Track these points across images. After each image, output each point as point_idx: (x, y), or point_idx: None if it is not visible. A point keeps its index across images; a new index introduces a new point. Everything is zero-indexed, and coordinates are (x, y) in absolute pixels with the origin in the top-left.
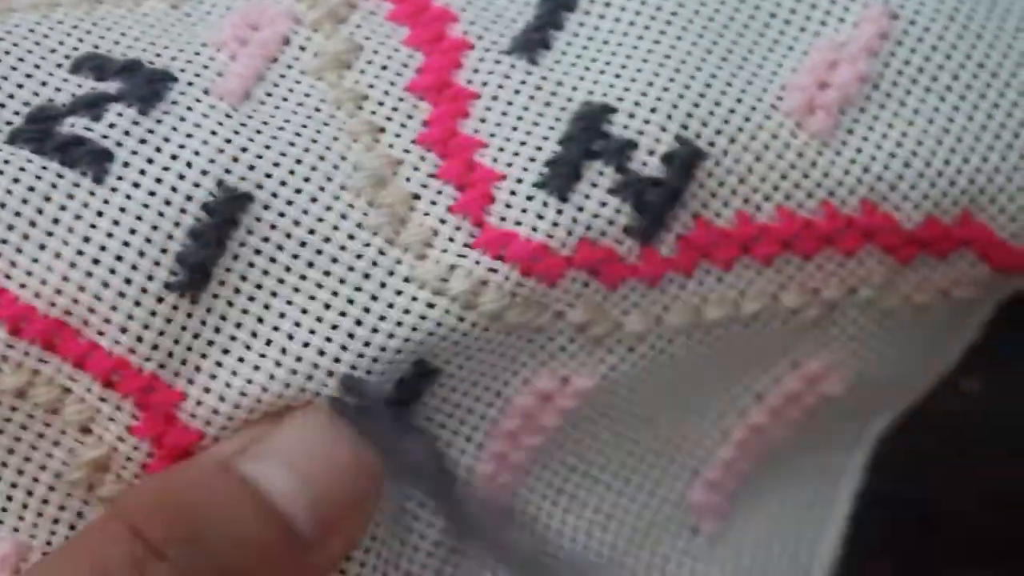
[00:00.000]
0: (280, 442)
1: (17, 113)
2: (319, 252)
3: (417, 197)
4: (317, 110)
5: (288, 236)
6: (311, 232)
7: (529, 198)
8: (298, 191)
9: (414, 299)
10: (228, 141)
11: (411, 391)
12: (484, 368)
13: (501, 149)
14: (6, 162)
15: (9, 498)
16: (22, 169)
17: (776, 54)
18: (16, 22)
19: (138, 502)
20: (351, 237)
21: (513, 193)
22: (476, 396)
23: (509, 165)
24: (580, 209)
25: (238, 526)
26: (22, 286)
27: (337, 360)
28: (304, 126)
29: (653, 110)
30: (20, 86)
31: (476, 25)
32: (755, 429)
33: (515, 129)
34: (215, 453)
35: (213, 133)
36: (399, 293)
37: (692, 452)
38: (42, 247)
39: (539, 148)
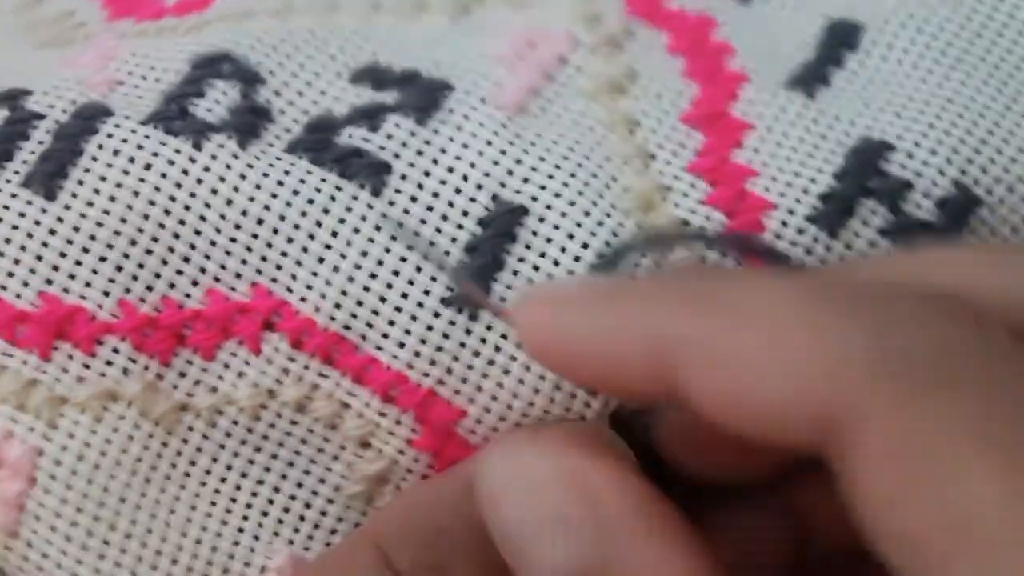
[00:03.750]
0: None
1: (296, 121)
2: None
3: (686, 223)
4: (591, 130)
5: (563, 250)
6: (584, 247)
7: (800, 231)
8: (571, 204)
9: None
10: (503, 153)
11: None
12: None
13: (774, 179)
14: (287, 172)
15: (286, 510)
16: (302, 181)
17: None
18: (296, 24)
19: (387, 527)
20: None
21: (784, 224)
22: None
23: (781, 195)
24: (848, 247)
25: (487, 554)
26: (302, 299)
27: None
28: (578, 142)
29: (934, 152)
30: (300, 94)
31: (754, 60)
32: None
33: (789, 160)
34: (461, 471)
35: (489, 144)
36: None
37: None
38: (321, 260)
39: (813, 180)
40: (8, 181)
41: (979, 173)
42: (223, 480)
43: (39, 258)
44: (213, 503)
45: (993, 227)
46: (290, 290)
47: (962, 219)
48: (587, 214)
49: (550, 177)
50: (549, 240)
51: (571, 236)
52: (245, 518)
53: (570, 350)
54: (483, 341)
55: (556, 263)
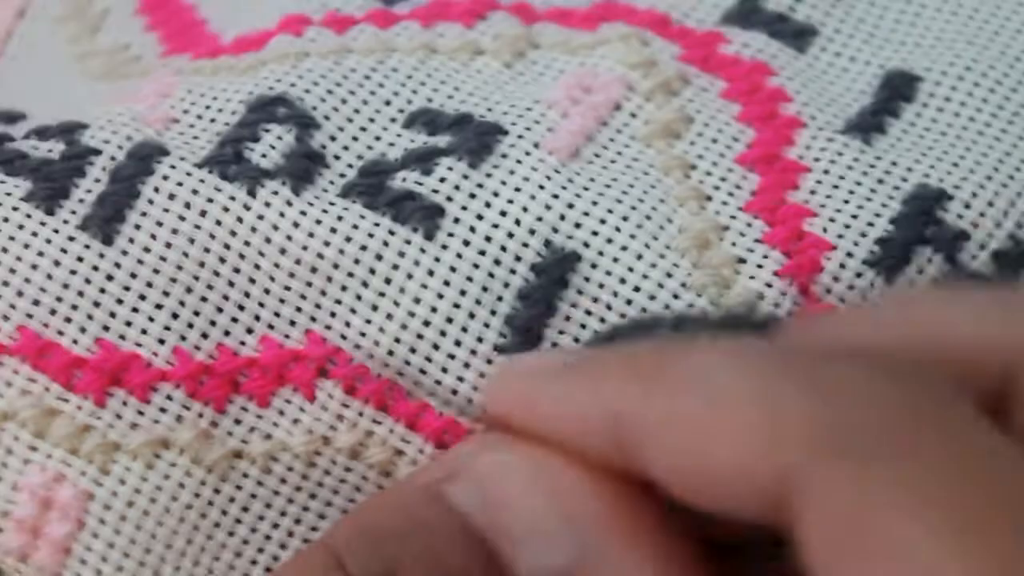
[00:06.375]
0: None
1: (351, 166)
2: (644, 311)
3: (743, 261)
4: (645, 174)
5: (615, 295)
6: (636, 290)
7: (859, 275)
8: (624, 248)
9: None
10: (555, 197)
11: None
12: None
13: (832, 220)
14: (340, 218)
15: None
16: (355, 226)
17: None
18: (352, 66)
19: (341, 531)
20: (676, 297)
21: (843, 266)
22: None
23: (840, 237)
24: None
25: (443, 555)
26: (356, 347)
27: None
28: (631, 186)
29: (991, 203)
30: (355, 139)
31: (810, 106)
32: None
33: (846, 203)
34: (420, 479)
35: (541, 188)
36: None
37: None
38: (375, 308)
39: (871, 224)
40: (65, 222)
41: None
42: (275, 526)
43: (96, 304)
44: (261, 550)
45: None
46: (344, 337)
47: (1015, 272)
48: (639, 257)
49: (602, 222)
50: (601, 286)
51: (623, 280)
52: None
53: (539, 428)
54: None
55: (609, 307)
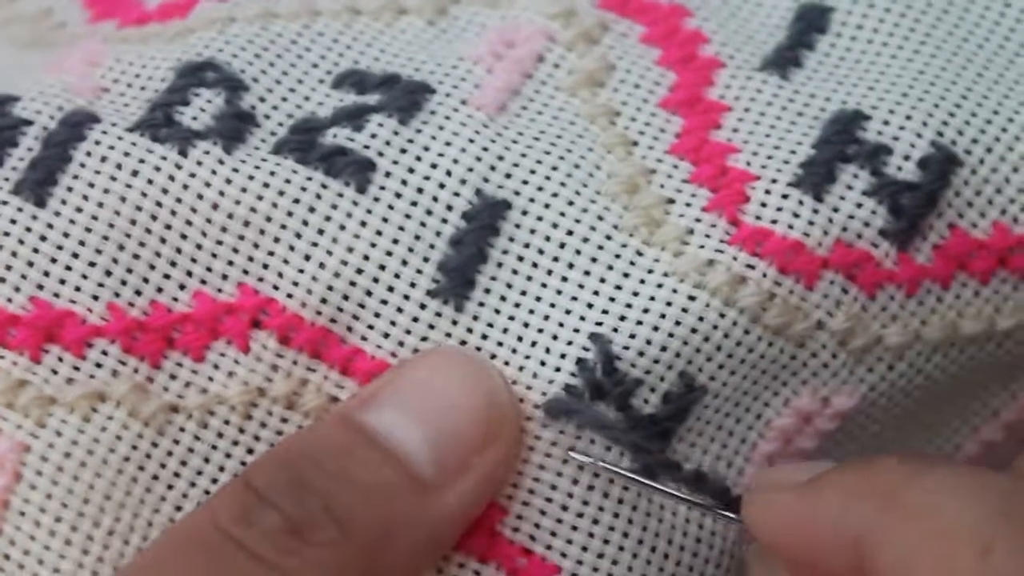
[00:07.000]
0: (398, 388)
1: (281, 124)
2: (578, 252)
3: (672, 201)
4: (571, 123)
5: (548, 239)
6: (569, 234)
7: (784, 196)
8: (555, 195)
9: (675, 291)
10: (485, 150)
11: (679, 408)
12: (747, 387)
13: (754, 153)
14: (272, 173)
15: None
16: (288, 181)
17: None
18: (279, 31)
19: (256, 463)
20: (608, 238)
21: (768, 192)
22: (738, 418)
23: (763, 167)
24: (835, 209)
25: (351, 468)
26: (289, 296)
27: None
28: (559, 136)
29: (908, 117)
30: (284, 99)
31: (728, 46)
32: (988, 445)
33: (768, 136)
34: (336, 409)
35: (471, 141)
36: (660, 287)
37: None
38: (307, 257)
39: (793, 152)
40: None
41: (955, 135)
42: (214, 481)
43: (30, 264)
44: (199, 504)
45: (977, 187)
46: (277, 287)
47: (944, 177)
48: (571, 203)
49: (532, 172)
50: (533, 231)
51: (555, 225)
52: None
53: (787, 541)
54: (469, 331)
55: (541, 252)
